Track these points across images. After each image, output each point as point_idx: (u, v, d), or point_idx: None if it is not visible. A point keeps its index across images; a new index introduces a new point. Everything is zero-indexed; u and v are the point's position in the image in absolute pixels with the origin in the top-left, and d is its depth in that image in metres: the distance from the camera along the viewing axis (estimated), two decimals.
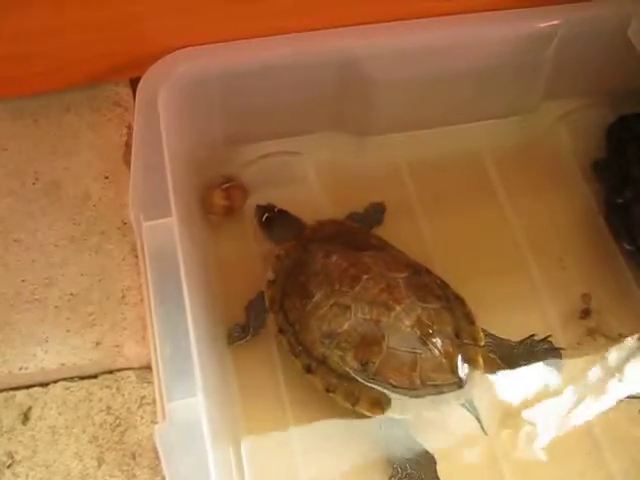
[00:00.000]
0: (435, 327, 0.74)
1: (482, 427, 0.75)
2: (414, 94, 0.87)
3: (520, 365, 0.79)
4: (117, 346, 0.74)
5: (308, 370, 0.75)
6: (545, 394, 0.80)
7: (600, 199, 0.92)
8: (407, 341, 0.73)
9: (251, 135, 0.89)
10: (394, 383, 0.73)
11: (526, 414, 0.79)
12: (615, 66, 0.89)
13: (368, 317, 0.74)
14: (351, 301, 0.74)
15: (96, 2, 0.76)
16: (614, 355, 0.82)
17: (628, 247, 0.86)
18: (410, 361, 0.73)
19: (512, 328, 0.81)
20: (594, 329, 0.84)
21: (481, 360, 0.75)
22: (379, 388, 0.73)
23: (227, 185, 0.87)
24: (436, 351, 0.73)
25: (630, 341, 0.83)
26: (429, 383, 0.73)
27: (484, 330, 0.78)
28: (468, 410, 0.74)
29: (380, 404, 0.73)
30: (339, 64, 0.82)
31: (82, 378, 0.74)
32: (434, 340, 0.73)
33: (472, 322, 0.77)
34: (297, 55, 0.81)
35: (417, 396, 0.73)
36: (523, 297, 0.85)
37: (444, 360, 0.73)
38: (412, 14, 0.82)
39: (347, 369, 0.73)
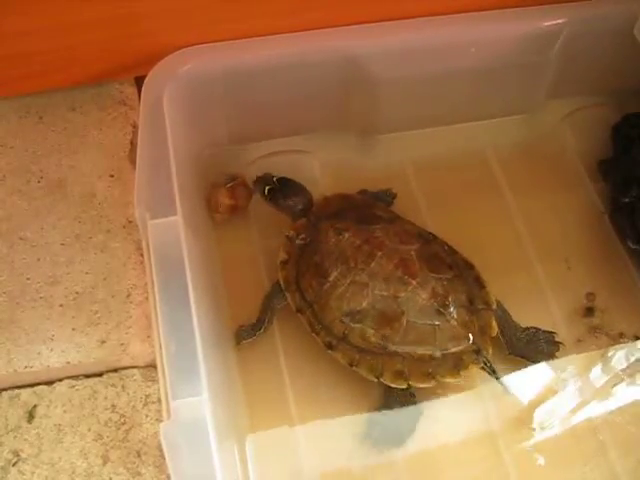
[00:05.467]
0: (450, 297, 0.76)
1: (503, 387, 0.77)
2: (418, 93, 0.87)
3: (517, 348, 0.80)
4: (122, 344, 0.74)
5: (329, 347, 0.76)
6: (549, 393, 0.80)
7: (605, 198, 0.91)
8: (425, 313, 0.75)
9: (256, 133, 0.89)
10: (415, 355, 0.74)
11: (530, 413, 0.79)
12: (620, 65, 0.89)
13: (386, 293, 0.75)
14: (368, 278, 0.76)
15: (101, 0, 0.76)
16: (616, 353, 0.82)
17: (633, 246, 0.86)
18: (429, 333, 0.75)
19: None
20: (597, 328, 0.83)
21: (494, 323, 0.77)
22: (401, 360, 0.74)
23: (232, 184, 0.87)
24: (453, 321, 0.75)
25: (632, 340, 0.83)
26: (449, 352, 0.75)
27: (499, 302, 0.79)
28: (487, 372, 0.76)
29: (403, 375, 0.74)
30: (343, 63, 0.82)
31: (87, 376, 0.74)
32: (450, 310, 0.75)
33: (483, 286, 0.79)
34: (301, 54, 0.81)
35: (438, 365, 0.74)
36: (527, 295, 0.85)
37: (461, 329, 0.75)
38: (416, 12, 0.82)
39: (369, 344, 0.75)
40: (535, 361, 0.80)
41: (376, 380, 0.75)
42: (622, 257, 0.88)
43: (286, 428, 0.76)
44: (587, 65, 0.90)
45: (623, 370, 0.81)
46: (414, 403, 0.76)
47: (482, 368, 0.76)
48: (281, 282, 0.80)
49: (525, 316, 0.82)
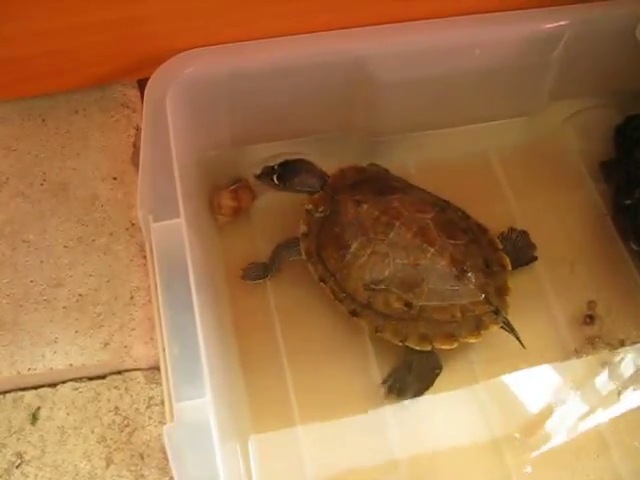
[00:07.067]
0: (467, 262, 0.79)
1: (521, 343, 0.79)
2: (422, 95, 0.87)
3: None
4: (125, 347, 0.74)
5: (354, 314, 0.79)
6: (551, 399, 0.80)
7: (608, 200, 0.91)
8: (445, 279, 0.78)
9: (258, 136, 0.89)
10: (438, 318, 0.77)
11: (533, 419, 0.79)
12: (623, 66, 0.89)
13: (406, 262, 0.78)
14: (388, 248, 0.78)
15: (104, 4, 0.76)
16: (619, 360, 0.82)
17: (636, 248, 0.86)
18: (450, 297, 0.78)
19: (519, 328, 0.81)
20: (598, 336, 0.83)
21: (510, 284, 0.80)
22: (424, 324, 0.77)
23: (235, 186, 0.87)
24: (471, 285, 0.78)
25: (631, 347, 0.83)
26: (469, 314, 0.77)
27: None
28: (506, 330, 0.79)
29: (427, 338, 0.77)
30: (347, 65, 0.82)
31: (90, 379, 0.74)
32: (468, 274, 0.78)
33: (496, 249, 0.83)
34: (304, 56, 0.81)
35: (460, 327, 0.77)
36: (530, 298, 0.85)
37: (479, 292, 0.78)
38: (420, 15, 0.82)
39: (392, 310, 0.78)
40: (516, 265, 0.84)
41: (401, 344, 0.77)
42: (624, 259, 0.88)
43: (289, 429, 0.76)
44: (589, 67, 0.90)
45: (627, 377, 0.82)
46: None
47: (502, 327, 0.78)
48: (302, 254, 0.81)
49: (527, 319, 0.82)
